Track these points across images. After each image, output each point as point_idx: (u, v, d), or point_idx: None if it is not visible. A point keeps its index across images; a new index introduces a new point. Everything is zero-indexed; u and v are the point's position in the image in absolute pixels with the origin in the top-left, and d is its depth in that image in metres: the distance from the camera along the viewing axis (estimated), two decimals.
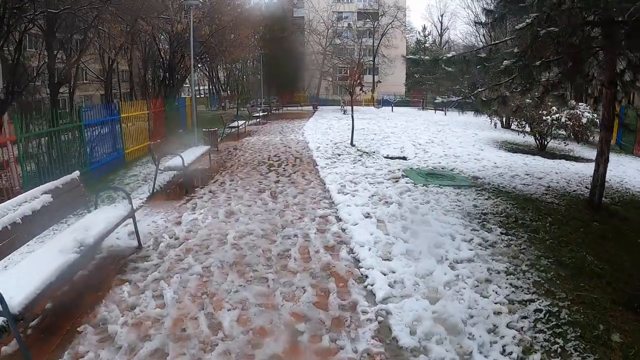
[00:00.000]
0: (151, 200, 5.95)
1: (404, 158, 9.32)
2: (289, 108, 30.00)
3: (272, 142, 12.26)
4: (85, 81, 30.02)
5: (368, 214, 5.00)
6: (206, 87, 46.42)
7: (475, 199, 5.86)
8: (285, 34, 33.59)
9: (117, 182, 7.40)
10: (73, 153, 7.51)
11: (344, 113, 24.58)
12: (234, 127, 13.83)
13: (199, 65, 26.06)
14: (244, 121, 15.35)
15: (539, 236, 4.50)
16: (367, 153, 9.73)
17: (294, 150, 10.65)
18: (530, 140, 13.27)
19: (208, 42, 18.62)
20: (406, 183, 6.52)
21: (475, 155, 9.67)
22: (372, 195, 5.80)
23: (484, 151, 10.52)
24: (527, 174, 7.81)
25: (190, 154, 7.17)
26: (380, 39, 43.08)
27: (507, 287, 3.31)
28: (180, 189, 6.58)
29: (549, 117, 10.79)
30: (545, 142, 11.96)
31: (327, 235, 4.41)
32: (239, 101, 25.04)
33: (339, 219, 4.89)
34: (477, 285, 3.33)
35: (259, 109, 23.21)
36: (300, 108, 31.63)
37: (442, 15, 51.89)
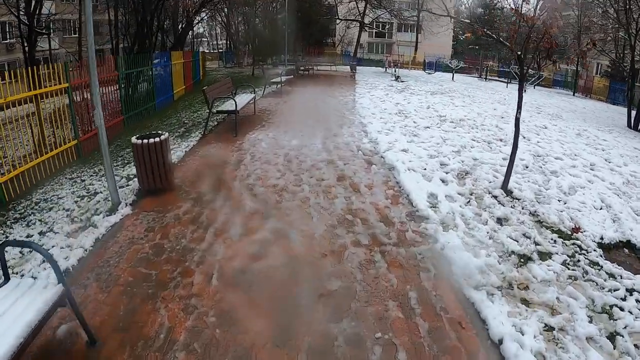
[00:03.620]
0: None
1: (635, 248, 3.69)
2: (318, 68, 23.51)
3: (304, 160, 5.73)
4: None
5: None
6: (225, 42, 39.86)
7: None
8: None
9: None
10: None
11: (397, 80, 18.24)
12: (231, 111, 7.74)
13: (204, 11, 19.71)
14: (253, 95, 9.19)
15: None
16: (554, 230, 3.96)
17: (381, 224, 3.86)
18: None
19: None
20: None
21: None
22: None
23: None
24: None
25: None
26: None
27: None
28: None
29: None
30: None
31: None
32: (254, 58, 19.04)
33: None
34: None
35: (280, 69, 17.09)
36: (334, 68, 25.21)
37: None
